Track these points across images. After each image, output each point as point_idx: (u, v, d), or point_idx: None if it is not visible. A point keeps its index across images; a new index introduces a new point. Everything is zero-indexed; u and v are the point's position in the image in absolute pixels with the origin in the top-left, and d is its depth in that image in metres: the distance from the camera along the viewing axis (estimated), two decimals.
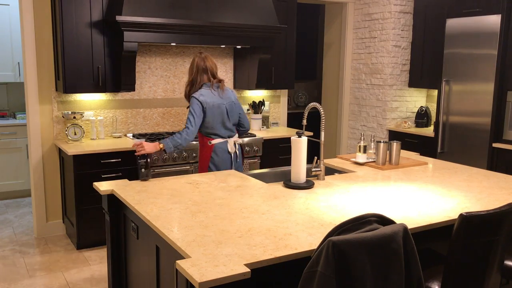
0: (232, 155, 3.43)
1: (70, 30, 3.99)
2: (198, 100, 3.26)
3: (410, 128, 5.36)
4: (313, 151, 6.21)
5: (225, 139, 3.41)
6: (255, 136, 4.67)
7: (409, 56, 5.51)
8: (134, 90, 4.30)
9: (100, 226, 4.06)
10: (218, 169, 3.39)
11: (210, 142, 3.37)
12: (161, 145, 3.14)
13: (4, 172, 5.44)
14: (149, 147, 3.10)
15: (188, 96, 3.38)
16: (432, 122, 5.43)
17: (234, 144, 3.45)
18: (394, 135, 5.43)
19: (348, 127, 6.05)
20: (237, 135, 3.54)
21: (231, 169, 3.41)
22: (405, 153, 3.77)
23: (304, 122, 2.89)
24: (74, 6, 3.98)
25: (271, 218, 2.17)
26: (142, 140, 3.78)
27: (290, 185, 2.69)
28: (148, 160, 2.86)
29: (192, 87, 3.38)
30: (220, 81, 3.40)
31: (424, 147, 5.02)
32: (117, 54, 4.15)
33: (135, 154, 3.12)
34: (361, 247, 1.58)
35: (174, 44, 4.41)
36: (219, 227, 2.05)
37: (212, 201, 2.42)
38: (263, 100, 5.22)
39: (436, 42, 5.10)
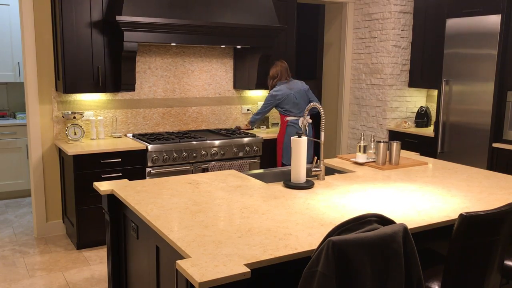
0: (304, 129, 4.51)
1: (70, 30, 4.00)
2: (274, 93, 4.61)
3: (410, 128, 5.36)
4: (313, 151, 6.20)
5: (297, 117, 4.52)
6: (255, 136, 4.67)
7: (409, 56, 5.51)
8: (134, 90, 4.30)
9: (100, 226, 4.06)
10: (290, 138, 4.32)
11: (286, 119, 4.45)
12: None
13: (4, 172, 5.44)
14: None
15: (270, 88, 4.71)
16: (432, 122, 5.43)
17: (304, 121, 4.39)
18: (394, 135, 5.43)
19: (348, 127, 6.05)
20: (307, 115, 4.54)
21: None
22: (405, 153, 3.77)
23: (304, 122, 2.92)
24: (74, 6, 3.98)
25: (271, 218, 2.17)
26: None
27: (290, 185, 2.69)
28: None
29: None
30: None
31: (424, 147, 5.02)
32: (117, 54, 4.15)
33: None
34: (361, 247, 1.58)
35: (174, 44, 4.41)
36: (219, 227, 2.05)
37: (212, 201, 2.42)
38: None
39: (436, 42, 5.09)
